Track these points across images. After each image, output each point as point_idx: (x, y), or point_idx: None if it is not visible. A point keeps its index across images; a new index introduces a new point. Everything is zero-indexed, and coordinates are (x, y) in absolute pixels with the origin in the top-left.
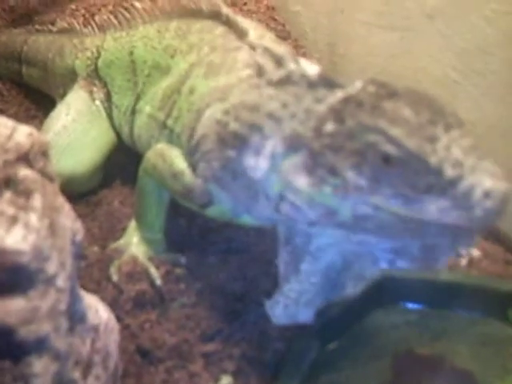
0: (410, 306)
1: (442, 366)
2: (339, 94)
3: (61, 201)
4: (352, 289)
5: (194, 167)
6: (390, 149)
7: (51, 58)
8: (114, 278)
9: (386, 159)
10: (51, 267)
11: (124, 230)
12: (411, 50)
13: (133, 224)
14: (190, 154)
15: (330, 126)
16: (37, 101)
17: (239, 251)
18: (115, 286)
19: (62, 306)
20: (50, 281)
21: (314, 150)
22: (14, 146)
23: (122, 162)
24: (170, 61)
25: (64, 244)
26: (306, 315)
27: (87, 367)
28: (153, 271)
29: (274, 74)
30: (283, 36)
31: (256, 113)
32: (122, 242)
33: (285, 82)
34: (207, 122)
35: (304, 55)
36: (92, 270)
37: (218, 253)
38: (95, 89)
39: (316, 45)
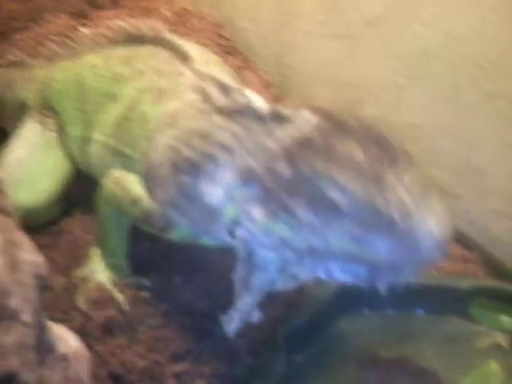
0: (373, 311)
1: (407, 367)
2: (291, 132)
3: (20, 235)
4: (281, 285)
5: (151, 193)
6: (338, 197)
7: (1, 91)
8: (82, 305)
9: (336, 205)
10: (14, 302)
11: (87, 257)
12: (355, 57)
13: (95, 251)
14: (147, 180)
15: (283, 168)
16: None
17: (203, 270)
18: (83, 314)
19: (30, 340)
20: (13, 316)
21: (267, 186)
22: None
23: (81, 190)
24: (118, 88)
25: (26, 278)
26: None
27: None
28: (119, 297)
29: (222, 102)
30: (230, 51)
31: (207, 141)
32: (86, 269)
33: (233, 112)
34: (160, 148)
35: (253, 69)
36: (58, 300)
37: (183, 273)
38: (48, 120)
39: (264, 58)
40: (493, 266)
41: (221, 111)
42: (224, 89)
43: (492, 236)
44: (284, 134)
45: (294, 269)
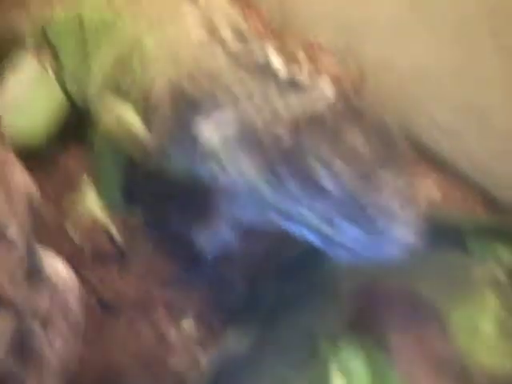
0: None
1: (403, 298)
2: (304, 103)
3: (12, 161)
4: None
5: (149, 125)
6: (329, 183)
7: None
8: (73, 235)
9: (324, 189)
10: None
11: (79, 188)
12: None
13: (87, 180)
14: (146, 116)
15: (286, 136)
16: None
17: (197, 198)
18: (74, 243)
19: (15, 258)
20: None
21: (263, 146)
22: None
23: (75, 124)
24: (114, 17)
25: (20, 205)
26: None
27: (46, 322)
28: (110, 226)
29: (237, 49)
30: None
31: (214, 82)
32: (78, 198)
33: (248, 63)
34: (161, 82)
35: (255, 12)
36: (49, 228)
37: (176, 202)
38: (45, 54)
39: (267, 1)
40: (492, 205)
41: (234, 58)
42: (241, 37)
43: (494, 176)
44: (296, 103)
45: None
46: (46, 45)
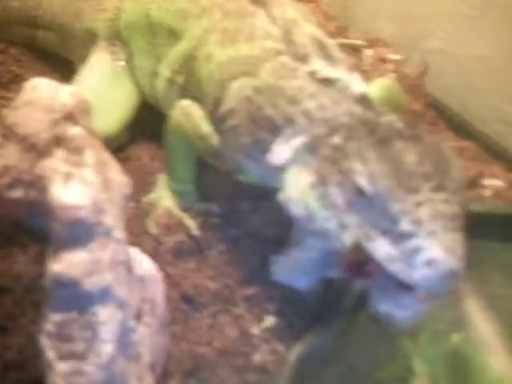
0: None
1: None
2: (367, 117)
3: (108, 156)
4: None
5: (221, 136)
6: (364, 183)
7: (69, 22)
8: (152, 230)
9: (360, 191)
10: (108, 220)
11: (155, 183)
12: None
13: (163, 177)
14: (217, 123)
15: (336, 139)
16: (53, 65)
17: (271, 197)
18: (154, 239)
19: (121, 257)
20: (108, 233)
21: (322, 155)
22: (59, 106)
23: (148, 119)
24: (183, 24)
25: (116, 197)
26: (300, 283)
27: (138, 316)
28: (188, 222)
29: (318, 66)
30: None
31: (295, 107)
32: (154, 195)
33: (330, 84)
34: (235, 95)
35: (314, 0)
36: (130, 224)
37: (250, 199)
38: (117, 50)
39: None
40: None
41: (315, 78)
42: (328, 55)
43: None
44: (360, 114)
45: None
46: (119, 40)
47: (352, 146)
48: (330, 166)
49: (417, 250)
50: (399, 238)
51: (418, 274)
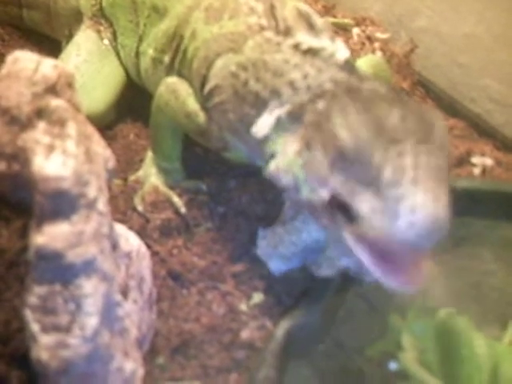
0: None
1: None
2: (351, 83)
3: (92, 130)
4: (326, 270)
5: (208, 113)
6: (344, 134)
7: (53, 0)
8: (139, 208)
9: (343, 146)
10: (91, 192)
11: (142, 161)
12: None
13: (150, 155)
14: (203, 100)
15: (321, 104)
16: (39, 44)
17: (258, 175)
18: (141, 216)
19: (105, 229)
20: (91, 205)
21: (306, 121)
22: (41, 79)
23: (135, 97)
24: (166, 2)
25: (99, 170)
26: (275, 265)
27: (125, 293)
28: (175, 199)
29: (302, 38)
30: None
31: (278, 78)
32: (141, 173)
33: (314, 54)
34: (220, 72)
35: None
36: (117, 202)
37: (237, 177)
38: (102, 28)
39: None
40: None
41: (299, 49)
42: (311, 25)
43: None
44: (344, 80)
45: (332, 252)
46: (103, 18)
47: (335, 108)
48: (314, 130)
49: (400, 198)
50: (382, 187)
51: (403, 223)
